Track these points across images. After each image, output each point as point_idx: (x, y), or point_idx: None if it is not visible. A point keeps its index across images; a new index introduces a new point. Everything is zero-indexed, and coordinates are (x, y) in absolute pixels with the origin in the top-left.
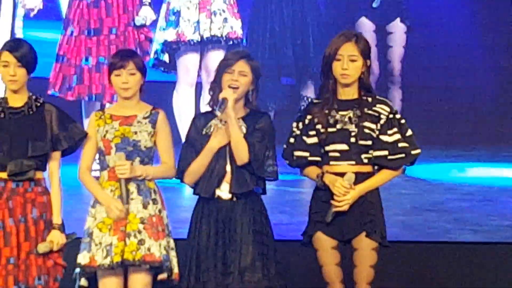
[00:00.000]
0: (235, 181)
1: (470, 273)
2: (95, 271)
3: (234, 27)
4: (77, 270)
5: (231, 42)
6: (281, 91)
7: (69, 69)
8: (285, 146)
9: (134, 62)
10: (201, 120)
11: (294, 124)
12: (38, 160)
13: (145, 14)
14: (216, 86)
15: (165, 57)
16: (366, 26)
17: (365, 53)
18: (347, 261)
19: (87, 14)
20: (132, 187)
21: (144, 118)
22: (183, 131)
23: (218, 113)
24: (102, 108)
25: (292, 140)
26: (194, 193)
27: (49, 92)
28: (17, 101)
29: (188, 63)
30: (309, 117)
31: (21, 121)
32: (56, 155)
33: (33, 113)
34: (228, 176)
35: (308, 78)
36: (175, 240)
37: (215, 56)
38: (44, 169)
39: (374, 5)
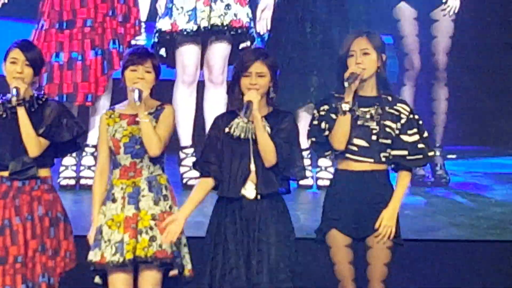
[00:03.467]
0: (261, 182)
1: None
2: (106, 268)
3: (239, 14)
4: (91, 267)
5: (234, 32)
6: (309, 88)
7: None
8: (309, 128)
9: (151, 61)
10: (223, 119)
11: (315, 111)
12: (40, 156)
13: None
14: (234, 89)
15: (162, 51)
16: (406, 13)
17: (379, 47)
18: (359, 259)
19: (59, 5)
20: (143, 184)
21: (150, 114)
22: (183, 136)
23: (244, 118)
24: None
25: (315, 122)
26: (218, 193)
27: None
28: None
29: (185, 58)
30: (326, 107)
31: None
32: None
33: (34, 110)
34: (252, 175)
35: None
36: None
37: (218, 50)
38: (49, 166)
39: None
